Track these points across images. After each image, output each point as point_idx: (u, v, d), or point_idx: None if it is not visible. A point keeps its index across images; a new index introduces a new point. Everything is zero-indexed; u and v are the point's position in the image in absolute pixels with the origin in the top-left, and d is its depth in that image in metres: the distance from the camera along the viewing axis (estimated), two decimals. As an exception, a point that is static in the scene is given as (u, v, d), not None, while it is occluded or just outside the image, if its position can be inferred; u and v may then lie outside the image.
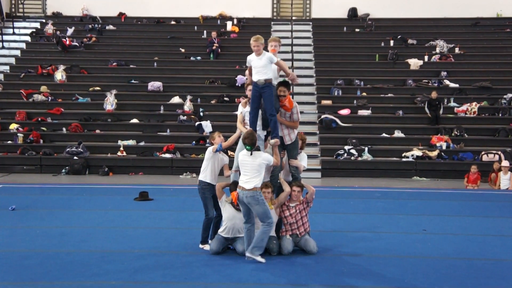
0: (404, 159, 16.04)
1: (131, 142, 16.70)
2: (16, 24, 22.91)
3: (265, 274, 6.82)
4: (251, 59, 7.61)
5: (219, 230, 7.71)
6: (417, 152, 16.03)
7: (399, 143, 16.84)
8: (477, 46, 21.18)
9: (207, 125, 17.03)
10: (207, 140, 15.35)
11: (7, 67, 20.30)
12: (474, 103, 17.77)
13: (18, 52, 21.20)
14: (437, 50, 20.66)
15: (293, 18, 23.02)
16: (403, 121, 17.64)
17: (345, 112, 17.77)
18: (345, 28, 22.47)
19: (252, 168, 7.19)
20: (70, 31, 21.88)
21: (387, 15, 22.72)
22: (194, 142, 16.72)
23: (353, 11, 22.98)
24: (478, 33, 22.04)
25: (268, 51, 7.64)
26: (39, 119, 17.48)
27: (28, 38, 22.13)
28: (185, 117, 17.53)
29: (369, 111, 17.83)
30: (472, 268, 7.19)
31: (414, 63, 19.85)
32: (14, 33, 22.59)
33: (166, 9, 23.06)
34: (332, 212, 10.54)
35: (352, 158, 15.99)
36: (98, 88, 18.72)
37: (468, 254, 7.88)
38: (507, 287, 6.67)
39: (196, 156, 15.99)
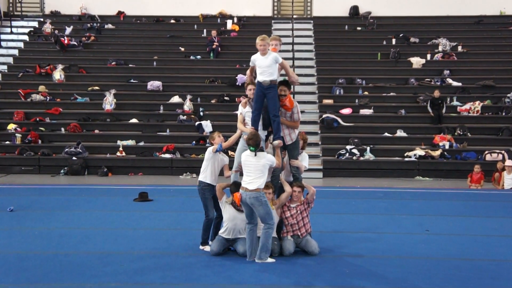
0: (406, 159, 15.98)
1: (130, 142, 16.65)
2: (14, 23, 22.87)
3: (266, 275, 6.81)
4: (256, 58, 7.58)
5: (220, 231, 7.68)
6: (419, 151, 15.97)
7: (402, 142, 16.77)
8: (480, 44, 21.06)
9: (207, 125, 16.96)
10: (207, 140, 15.27)
11: (5, 67, 20.20)
12: (477, 102, 17.69)
13: (16, 52, 21.16)
14: (440, 48, 20.57)
15: (294, 16, 22.96)
16: (406, 120, 17.57)
17: (346, 111, 17.71)
18: (346, 27, 22.38)
19: (256, 169, 7.17)
20: (68, 30, 21.82)
21: (389, 13, 22.64)
22: (194, 142, 16.67)
23: (354, 9, 22.90)
24: (481, 31, 21.96)
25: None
26: (37, 119, 17.42)
27: (26, 37, 22.08)
28: (185, 117, 17.47)
29: (371, 110, 17.76)
30: (476, 269, 7.16)
31: (417, 61, 19.78)
32: (12, 32, 22.53)
33: (165, 8, 23.01)
34: (334, 213, 10.51)
35: (354, 158, 15.93)
36: (97, 87, 18.66)
37: (471, 254, 7.84)
38: (512, 289, 6.64)
39: (196, 156, 15.93)
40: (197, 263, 7.23)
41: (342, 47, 21.25)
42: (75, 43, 20.85)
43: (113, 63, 19.99)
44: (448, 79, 18.99)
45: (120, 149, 16.19)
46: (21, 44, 21.61)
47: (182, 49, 20.87)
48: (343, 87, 18.74)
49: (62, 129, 17.18)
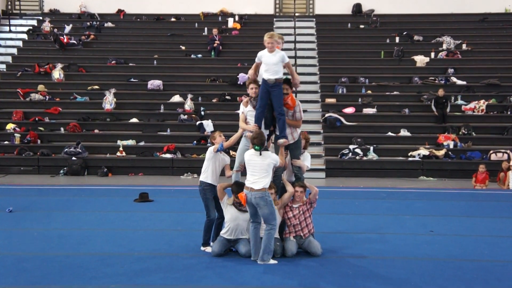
0: (410, 159, 15.92)
1: (130, 142, 16.61)
2: (13, 22, 22.87)
3: (268, 276, 6.76)
4: (263, 54, 7.56)
5: (222, 232, 7.64)
6: (423, 151, 15.91)
7: (405, 142, 16.71)
8: (485, 42, 21.03)
9: (208, 124, 16.90)
10: (208, 140, 15.20)
11: (4, 66, 20.18)
12: (482, 101, 17.63)
13: (14, 50, 21.18)
14: (444, 46, 20.52)
15: (296, 14, 22.97)
16: (409, 119, 17.51)
17: (349, 110, 17.66)
18: (349, 25, 22.36)
19: (261, 169, 7.14)
20: (67, 28, 21.81)
21: (392, 10, 22.64)
22: (195, 141, 16.62)
23: (357, 7, 22.87)
24: (486, 29, 21.91)
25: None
26: (37, 118, 17.39)
27: (25, 36, 22.10)
28: (185, 116, 17.41)
29: (374, 110, 17.70)
30: (481, 270, 7.09)
31: (420, 60, 19.74)
32: (10, 31, 22.57)
33: (166, 6, 22.98)
34: (337, 213, 10.48)
35: (357, 157, 15.87)
36: (96, 87, 18.63)
37: (476, 255, 7.79)
38: (517, 290, 6.59)
39: (197, 156, 15.89)
40: (198, 264, 7.18)
41: (345, 45, 21.20)
42: (74, 41, 20.84)
43: (113, 62, 19.94)
44: (452, 78, 18.96)
45: (120, 149, 16.15)
46: (19, 43, 21.64)
47: (183, 47, 20.82)
48: (346, 86, 18.70)
49: (62, 128, 17.14)
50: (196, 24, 22.36)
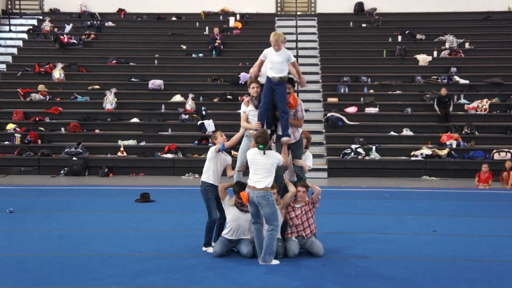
0: (413, 158, 15.87)
1: (131, 142, 16.57)
2: (13, 21, 22.81)
3: (270, 277, 6.74)
4: (269, 52, 7.56)
5: (223, 232, 7.62)
6: (426, 150, 15.85)
7: (408, 141, 16.66)
8: (488, 41, 20.95)
9: (209, 124, 16.85)
10: (210, 140, 15.10)
11: (4, 66, 20.13)
12: (485, 100, 17.56)
13: (15, 50, 21.15)
14: (447, 45, 20.44)
15: (298, 13, 22.89)
16: (412, 119, 17.44)
17: (351, 110, 17.59)
18: (351, 23, 22.29)
19: (264, 168, 7.12)
20: (68, 28, 21.76)
21: (394, 9, 22.56)
22: (196, 141, 16.58)
23: (359, 6, 22.80)
24: (489, 28, 21.81)
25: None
26: (37, 119, 17.36)
27: (25, 36, 22.05)
28: (187, 116, 17.37)
29: (377, 109, 17.65)
30: (484, 270, 7.07)
31: (423, 59, 19.66)
32: (10, 31, 22.52)
33: (166, 5, 22.92)
34: (339, 213, 10.47)
35: (359, 157, 15.83)
36: (97, 86, 18.58)
37: (479, 255, 7.77)
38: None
39: (198, 156, 15.88)
40: (200, 265, 7.17)
41: (347, 44, 21.16)
42: (74, 41, 20.79)
43: (113, 61, 19.89)
44: (455, 77, 18.88)
45: (121, 149, 16.12)
46: (20, 43, 21.61)
47: (184, 47, 20.77)
48: (348, 85, 18.64)
49: (62, 129, 17.10)
50: (197, 23, 22.30)
